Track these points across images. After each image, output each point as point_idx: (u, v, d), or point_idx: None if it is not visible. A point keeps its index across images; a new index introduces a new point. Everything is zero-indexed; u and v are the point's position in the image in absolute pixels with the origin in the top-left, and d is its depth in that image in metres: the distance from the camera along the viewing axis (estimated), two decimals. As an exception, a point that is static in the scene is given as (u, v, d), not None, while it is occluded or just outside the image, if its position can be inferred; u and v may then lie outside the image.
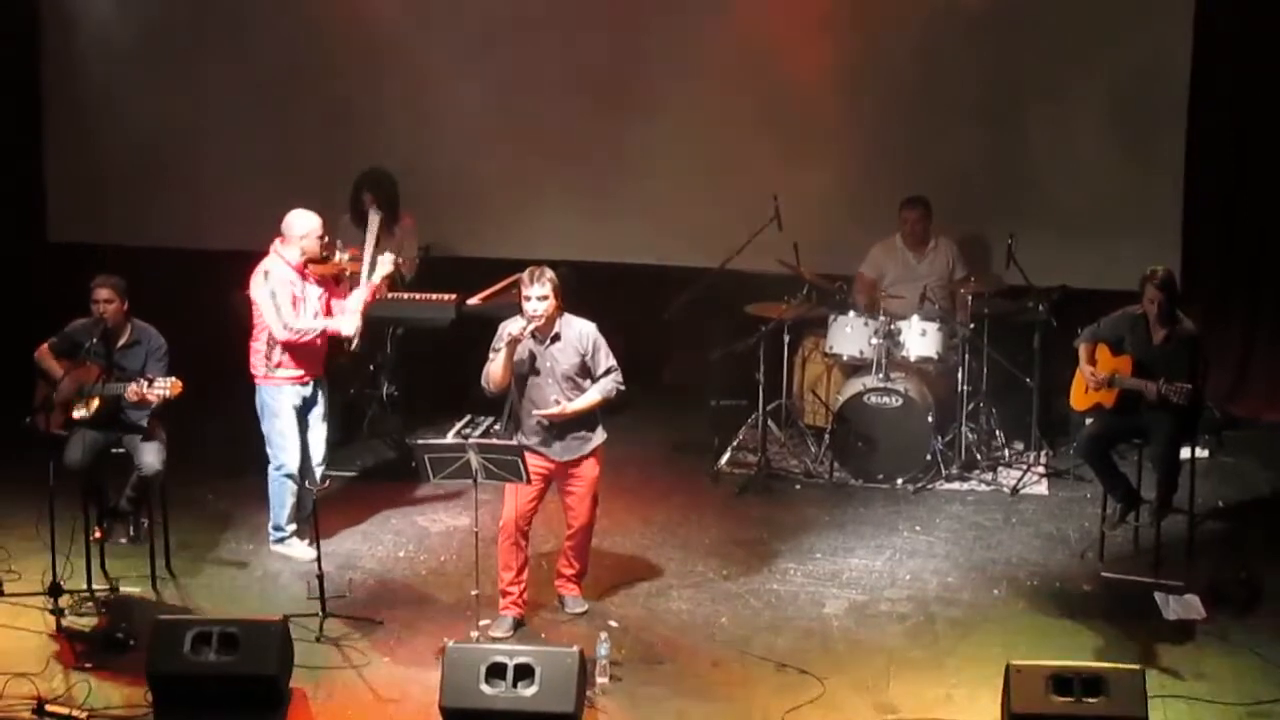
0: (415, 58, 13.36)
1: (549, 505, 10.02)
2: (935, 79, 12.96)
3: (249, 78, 13.67)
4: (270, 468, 10.71)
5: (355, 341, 10.80)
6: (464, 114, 13.55)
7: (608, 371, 9.70)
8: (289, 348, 10.45)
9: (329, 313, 10.62)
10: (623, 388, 9.77)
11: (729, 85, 13.06)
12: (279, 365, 10.51)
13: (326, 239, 10.58)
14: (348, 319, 10.61)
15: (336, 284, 10.74)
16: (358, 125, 13.46)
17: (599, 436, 9.84)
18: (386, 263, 10.87)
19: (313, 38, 13.50)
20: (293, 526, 10.79)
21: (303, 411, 10.68)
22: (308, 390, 10.67)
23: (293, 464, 10.65)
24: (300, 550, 10.74)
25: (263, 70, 13.65)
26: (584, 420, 9.74)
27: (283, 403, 10.57)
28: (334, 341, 10.77)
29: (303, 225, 10.46)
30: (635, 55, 13.37)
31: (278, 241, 10.50)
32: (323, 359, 10.75)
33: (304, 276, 10.50)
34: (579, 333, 9.67)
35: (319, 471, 10.84)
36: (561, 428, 9.68)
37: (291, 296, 10.40)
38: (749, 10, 12.83)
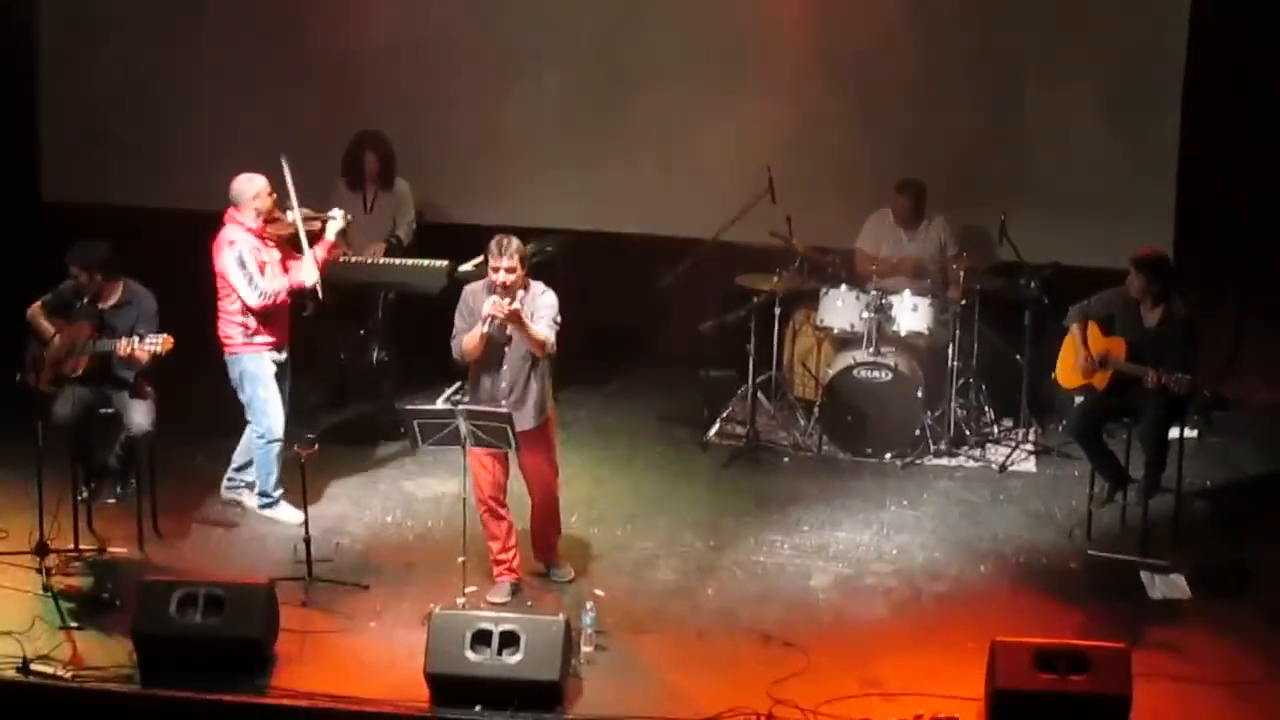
0: (413, 26, 13.35)
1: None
2: (931, 56, 12.96)
3: (245, 39, 13.61)
4: (254, 436, 10.70)
5: (321, 293, 10.72)
6: (459, 82, 13.55)
7: (541, 318, 9.55)
8: (263, 313, 10.44)
9: (287, 273, 10.63)
10: (552, 340, 9.59)
11: (724, 58, 13.03)
12: (256, 332, 10.51)
13: (275, 194, 10.56)
14: (306, 268, 10.57)
15: (292, 246, 10.69)
16: (353, 90, 13.41)
17: (546, 410, 9.76)
18: (338, 218, 10.81)
19: (314, 12, 13.43)
20: (280, 491, 10.77)
21: (279, 377, 10.69)
22: (282, 356, 10.70)
23: (278, 429, 10.65)
24: (289, 514, 10.73)
25: (259, 33, 13.60)
26: (536, 392, 9.67)
27: (264, 369, 10.59)
28: (299, 297, 10.75)
29: (252, 187, 10.48)
30: (633, 27, 13.35)
31: (232, 210, 10.50)
32: (289, 323, 10.75)
33: (263, 240, 10.51)
34: (537, 298, 9.61)
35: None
36: (519, 394, 9.63)
37: (259, 262, 10.42)
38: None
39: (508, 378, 9.64)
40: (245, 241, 10.41)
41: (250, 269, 10.36)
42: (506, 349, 9.61)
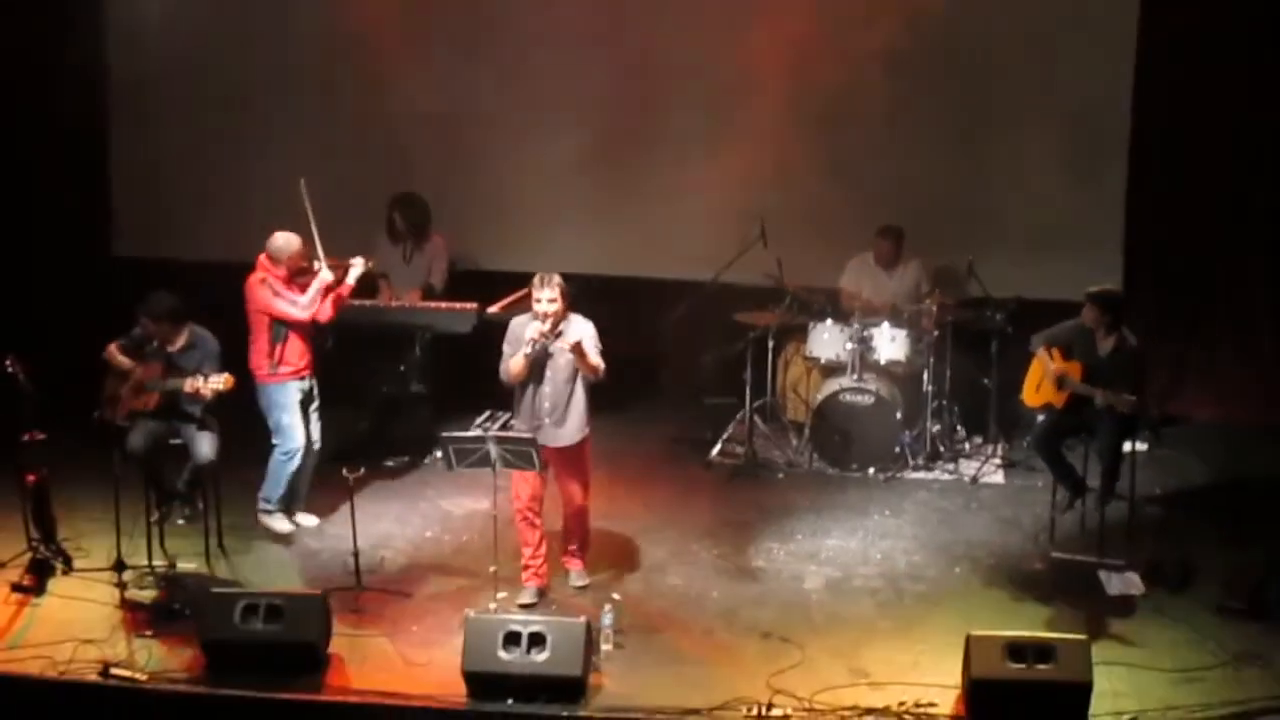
0: (446, 96, 13.40)
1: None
2: (904, 112, 12.91)
3: (296, 108, 13.62)
4: (278, 452, 10.74)
5: (330, 340, 10.95)
6: (489, 147, 13.58)
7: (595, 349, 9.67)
8: (292, 336, 10.56)
9: (328, 303, 10.76)
10: (603, 367, 9.67)
11: (720, 119, 13.00)
12: (281, 362, 10.58)
13: (307, 257, 10.71)
14: (324, 272, 10.72)
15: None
16: (395, 153, 13.45)
17: (584, 429, 9.81)
18: (359, 265, 10.91)
19: (360, 82, 13.46)
20: (281, 505, 10.83)
21: (304, 405, 10.75)
22: (306, 385, 10.75)
23: (300, 450, 10.72)
24: (281, 524, 10.81)
25: (309, 102, 13.63)
26: (573, 411, 9.71)
27: (289, 397, 10.65)
28: (321, 333, 10.91)
29: (290, 247, 10.61)
30: (640, 92, 13.32)
31: (264, 258, 10.61)
32: (314, 354, 10.82)
33: (290, 287, 10.63)
34: (579, 330, 9.66)
35: (310, 464, 10.91)
36: (559, 415, 9.69)
37: (291, 291, 10.59)
38: (740, 54, 12.78)
39: (550, 399, 9.68)
40: (273, 280, 10.56)
41: (285, 293, 10.53)
42: (548, 372, 9.65)
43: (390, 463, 12.14)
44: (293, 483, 10.83)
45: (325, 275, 10.73)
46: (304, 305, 10.57)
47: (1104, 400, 10.28)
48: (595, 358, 9.60)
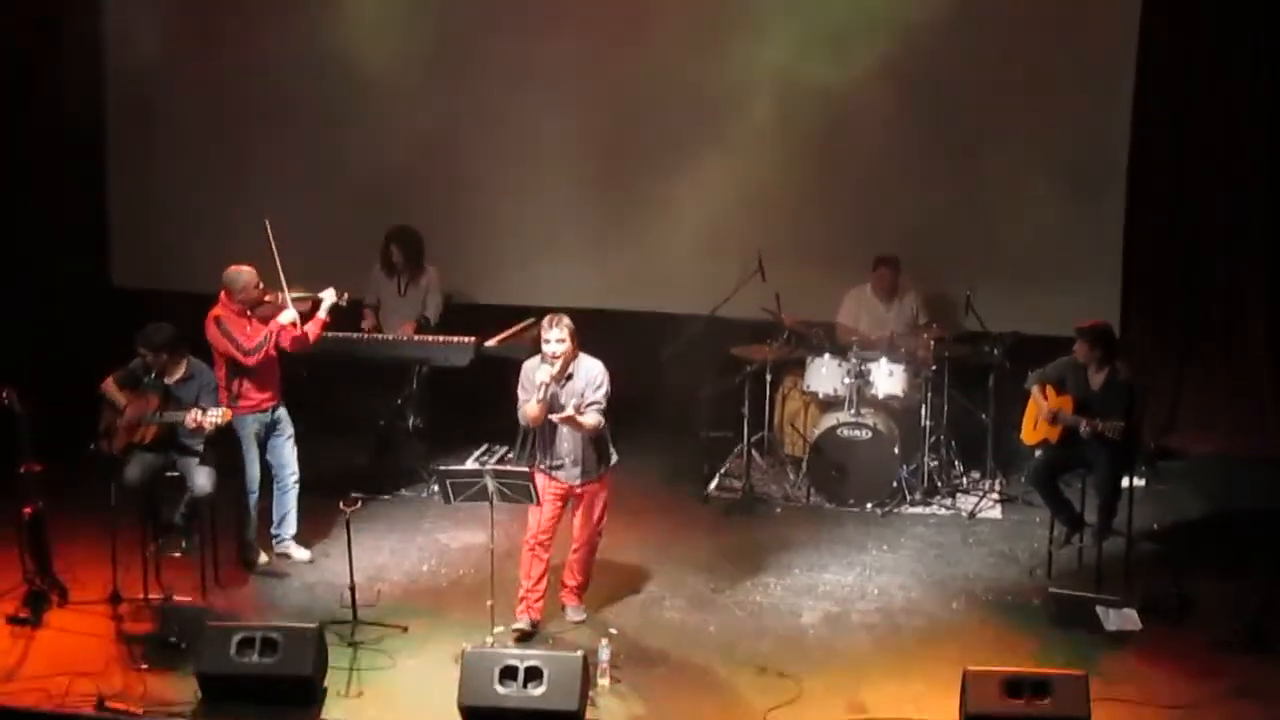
0: (442, 132, 13.49)
1: (567, 523, 10.01)
2: (901, 145, 12.95)
3: (293, 140, 13.69)
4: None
5: (304, 370, 10.88)
6: (484, 180, 13.63)
7: (591, 404, 9.66)
8: (250, 372, 10.52)
9: (283, 343, 10.64)
10: (603, 421, 9.71)
11: (716, 153, 12.99)
12: (239, 397, 10.56)
13: (261, 286, 10.65)
14: (284, 313, 10.64)
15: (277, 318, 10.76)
16: (391, 186, 13.48)
17: (606, 465, 9.85)
18: (330, 296, 10.88)
19: (355, 115, 13.56)
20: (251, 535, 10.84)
21: (265, 437, 10.74)
22: (267, 417, 10.72)
23: (253, 479, 10.72)
24: (259, 556, 10.86)
25: (305, 135, 13.70)
26: (593, 450, 9.76)
27: (244, 429, 10.64)
28: (293, 363, 10.83)
29: (240, 279, 10.58)
30: (635, 125, 13.40)
31: (223, 294, 10.60)
32: (278, 386, 10.78)
33: (249, 321, 10.60)
34: (587, 371, 9.70)
35: (291, 488, 10.89)
36: (576, 455, 9.72)
37: (243, 329, 10.52)
38: (736, 91, 12.84)
39: (568, 439, 9.71)
40: (230, 318, 10.54)
41: (235, 335, 10.48)
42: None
43: (387, 496, 12.15)
44: (256, 514, 10.82)
45: (287, 315, 10.64)
46: (247, 350, 10.48)
47: (1088, 429, 10.31)
48: (589, 418, 9.61)
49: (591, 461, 9.78)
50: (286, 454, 10.85)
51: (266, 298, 10.66)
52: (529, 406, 9.64)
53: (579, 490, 9.81)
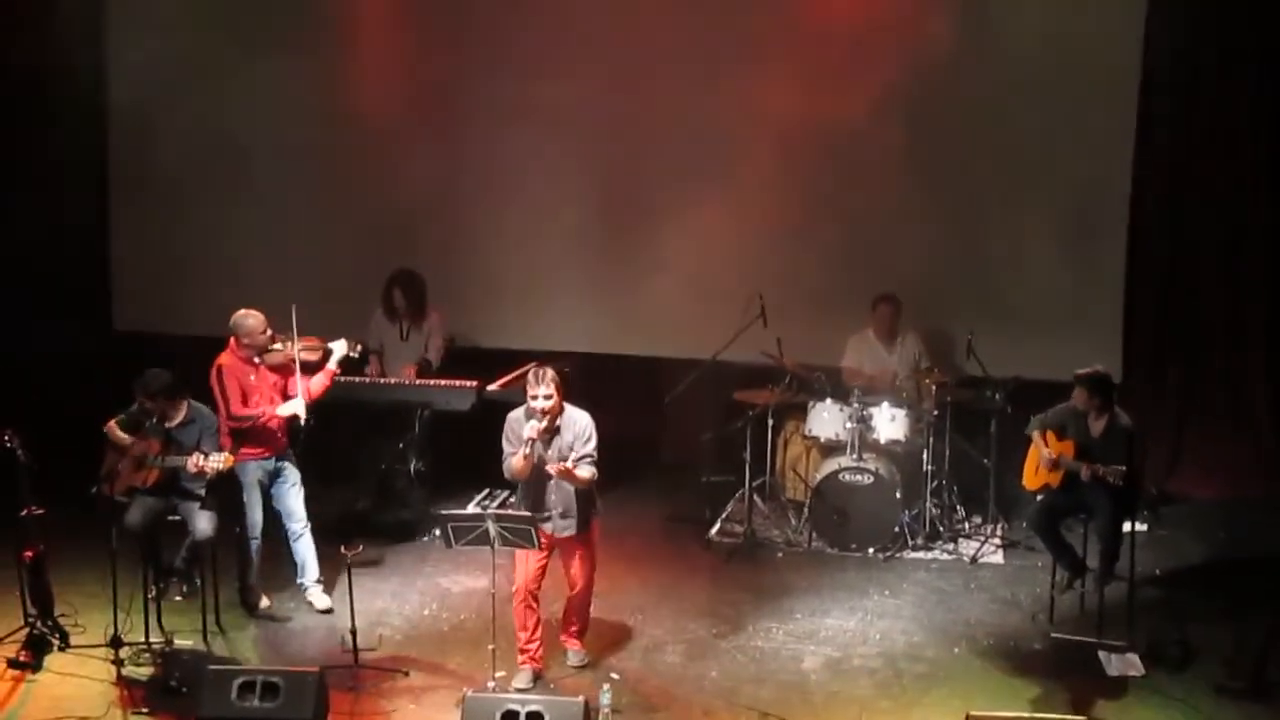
0: (445, 179, 13.56)
1: (556, 570, 10.00)
2: (903, 192, 12.95)
3: (295, 186, 13.75)
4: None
5: (305, 419, 10.75)
6: (486, 224, 13.68)
7: (583, 458, 9.65)
8: (241, 431, 10.53)
9: (286, 395, 10.68)
10: (596, 474, 9.70)
11: (720, 196, 13.07)
12: (241, 444, 10.56)
13: (269, 333, 10.65)
14: (293, 405, 10.63)
15: (287, 371, 10.77)
16: (394, 232, 13.55)
17: (592, 516, 9.83)
18: (342, 347, 10.90)
19: (357, 158, 13.61)
20: (254, 579, 10.85)
21: (269, 484, 10.75)
22: (270, 465, 10.72)
23: (255, 525, 10.72)
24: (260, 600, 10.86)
25: (308, 180, 13.76)
26: (579, 503, 9.72)
27: (246, 477, 10.65)
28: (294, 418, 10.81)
29: (246, 324, 10.60)
30: (637, 170, 13.44)
31: (232, 340, 10.62)
32: (282, 438, 10.78)
33: (256, 368, 10.61)
34: (574, 423, 9.67)
35: (302, 535, 10.86)
36: (565, 506, 9.70)
37: (240, 389, 10.52)
38: (737, 134, 12.91)
39: (555, 491, 9.69)
40: (233, 368, 10.55)
41: (228, 393, 10.49)
42: (550, 467, 9.65)
43: (388, 540, 12.13)
44: (258, 558, 10.82)
45: (288, 408, 10.61)
46: (235, 417, 10.50)
47: (1090, 473, 10.33)
48: (584, 471, 9.61)
49: (583, 512, 9.75)
50: (292, 502, 10.84)
51: (275, 344, 10.68)
52: (515, 460, 9.63)
53: (566, 541, 9.80)
